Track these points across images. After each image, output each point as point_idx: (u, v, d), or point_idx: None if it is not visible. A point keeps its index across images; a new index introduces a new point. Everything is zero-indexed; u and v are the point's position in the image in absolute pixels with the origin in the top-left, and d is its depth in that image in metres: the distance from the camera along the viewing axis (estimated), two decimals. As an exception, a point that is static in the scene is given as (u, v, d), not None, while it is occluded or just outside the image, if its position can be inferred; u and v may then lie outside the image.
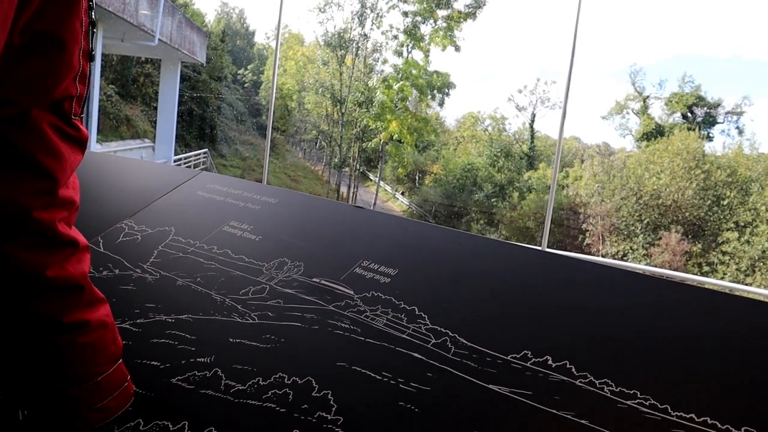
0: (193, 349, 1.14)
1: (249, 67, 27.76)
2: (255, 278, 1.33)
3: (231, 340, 1.16)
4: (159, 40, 13.68)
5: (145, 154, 17.20)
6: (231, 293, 1.29)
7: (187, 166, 17.89)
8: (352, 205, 1.61)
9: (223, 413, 1.00)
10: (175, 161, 17.69)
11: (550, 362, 1.02)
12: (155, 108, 18.82)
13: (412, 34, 22.17)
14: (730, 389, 0.94)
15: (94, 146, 11.93)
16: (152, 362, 1.12)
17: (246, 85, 27.77)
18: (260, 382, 1.05)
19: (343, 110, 23.51)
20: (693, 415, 0.90)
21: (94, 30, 0.82)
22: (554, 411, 0.94)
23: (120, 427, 0.97)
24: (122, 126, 18.65)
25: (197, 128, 23.17)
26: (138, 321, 1.23)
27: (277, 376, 1.05)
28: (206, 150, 22.02)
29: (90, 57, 0.82)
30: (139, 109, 20.52)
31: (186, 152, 20.63)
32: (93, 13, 0.82)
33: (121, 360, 0.97)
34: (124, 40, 13.67)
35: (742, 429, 0.87)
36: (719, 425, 0.88)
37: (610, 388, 0.96)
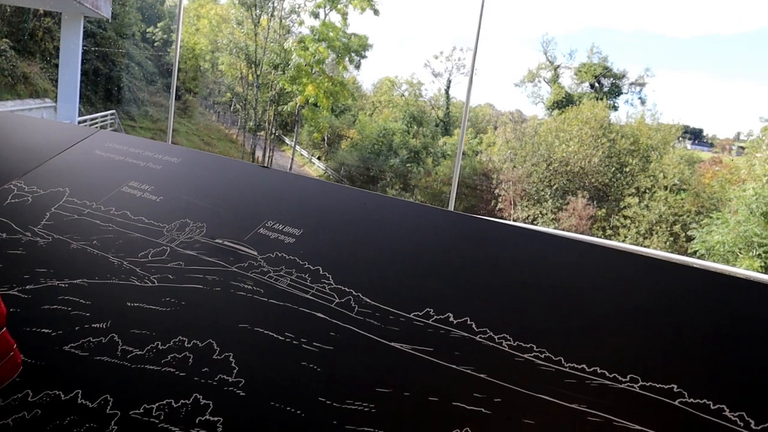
0: (88, 314, 1.10)
1: (159, 24, 26.48)
2: (155, 240, 1.29)
3: (129, 304, 1.11)
4: (58, -9, 12.81)
5: (47, 115, 16.22)
6: (129, 256, 1.24)
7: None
8: (257, 164, 1.58)
9: (119, 380, 0.97)
10: (79, 122, 16.79)
11: (451, 319, 1.04)
12: (56, 65, 17.68)
13: (329, -6, 21.80)
14: (618, 341, 0.99)
15: (-13, 105, 11.12)
16: (43, 330, 1.06)
17: (156, 44, 26.53)
18: (159, 346, 1.02)
19: (258, 72, 22.96)
20: (584, 366, 0.94)
21: None
22: (454, 366, 0.96)
23: (6, 399, 0.92)
24: (19, 84, 17.48)
25: (103, 88, 22.03)
26: (27, 287, 1.16)
27: (177, 339, 1.02)
28: (113, 111, 21.00)
29: None
30: (38, 66, 19.25)
31: (92, 113, 19.61)
32: None
33: (5, 328, 0.92)
34: (18, -9, 12.73)
35: (628, 377, 0.92)
36: (608, 374, 0.92)
37: (509, 343, 0.99)
